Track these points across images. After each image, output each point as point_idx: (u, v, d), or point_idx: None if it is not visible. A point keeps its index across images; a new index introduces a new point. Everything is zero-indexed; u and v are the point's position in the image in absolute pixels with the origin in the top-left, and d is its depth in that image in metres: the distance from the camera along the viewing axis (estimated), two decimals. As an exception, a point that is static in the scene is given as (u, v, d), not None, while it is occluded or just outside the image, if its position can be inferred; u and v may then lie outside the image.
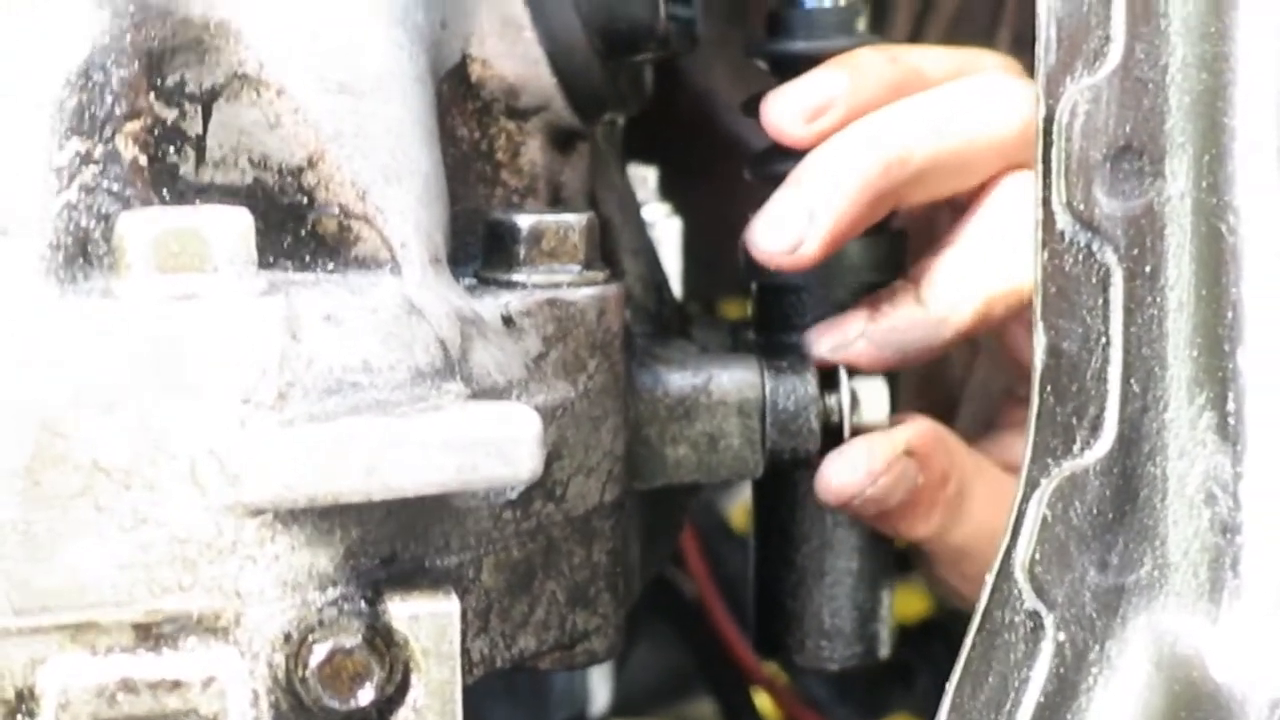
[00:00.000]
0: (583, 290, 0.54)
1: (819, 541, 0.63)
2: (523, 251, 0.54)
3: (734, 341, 0.64)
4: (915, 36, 0.84)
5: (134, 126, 0.49)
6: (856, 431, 0.59)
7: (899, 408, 0.61)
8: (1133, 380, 0.42)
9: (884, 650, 0.64)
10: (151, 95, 0.50)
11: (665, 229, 0.76)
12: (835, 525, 0.63)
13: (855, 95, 0.58)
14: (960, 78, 0.59)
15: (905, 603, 0.87)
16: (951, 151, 0.58)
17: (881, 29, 0.82)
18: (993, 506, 0.60)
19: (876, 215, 0.59)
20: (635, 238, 0.65)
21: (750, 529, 0.66)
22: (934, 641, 0.90)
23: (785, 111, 0.59)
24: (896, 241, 0.62)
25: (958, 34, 0.84)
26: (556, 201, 0.60)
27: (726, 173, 0.66)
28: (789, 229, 0.57)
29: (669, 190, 0.78)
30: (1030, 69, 0.44)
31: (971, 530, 0.60)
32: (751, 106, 0.61)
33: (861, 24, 0.62)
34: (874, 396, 0.60)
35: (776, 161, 0.60)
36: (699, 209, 0.77)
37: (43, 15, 0.49)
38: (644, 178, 0.76)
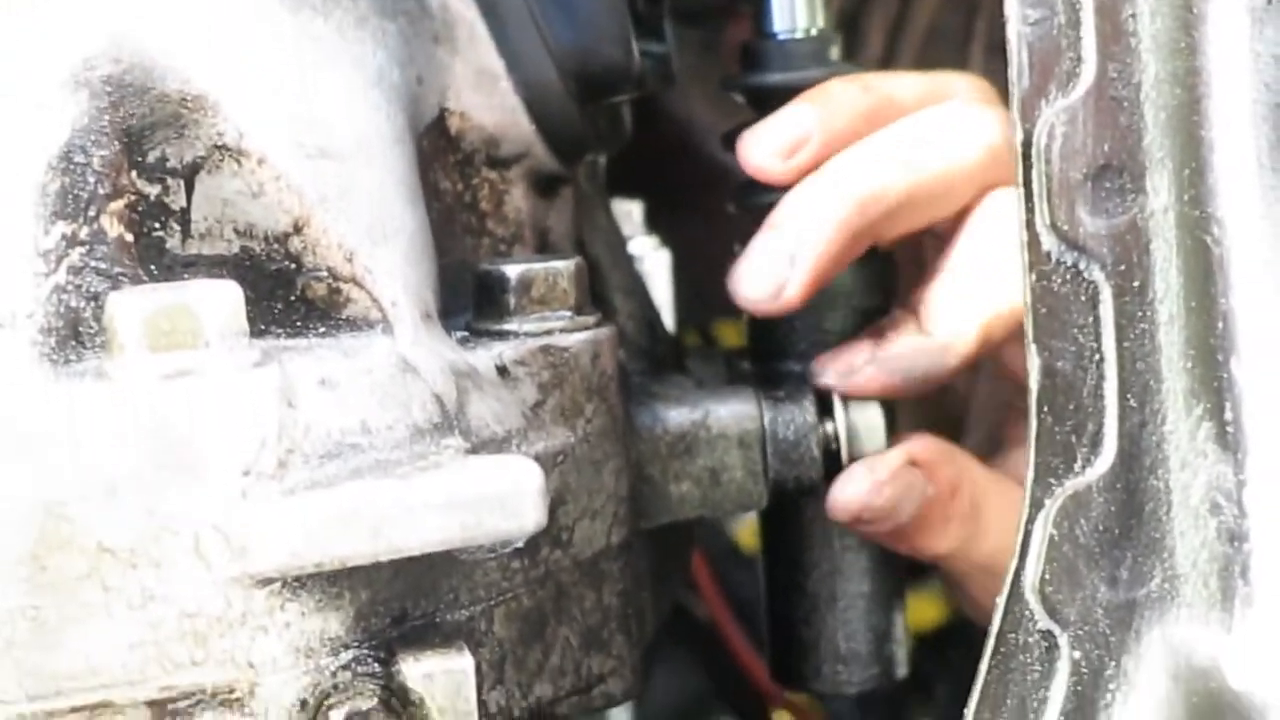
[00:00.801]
0: (575, 335, 0.54)
1: (829, 567, 0.63)
2: (513, 300, 0.54)
3: (730, 373, 0.64)
4: (889, 54, 0.84)
5: (118, 205, 0.49)
6: (855, 455, 0.59)
7: (902, 434, 0.61)
8: (1129, 395, 0.42)
9: (901, 670, 0.64)
10: (133, 173, 0.50)
11: (654, 261, 0.76)
12: (844, 549, 0.63)
13: (829, 128, 0.58)
14: (932, 104, 0.59)
15: (920, 611, 0.87)
16: (924, 183, 0.58)
17: (855, 48, 0.83)
18: (1013, 521, 0.60)
19: (855, 253, 0.59)
20: (624, 276, 0.65)
21: (759, 550, 0.66)
22: (951, 649, 0.90)
23: (762, 151, 0.59)
24: (885, 265, 0.62)
25: (931, 49, 0.84)
26: (544, 247, 0.60)
27: (711, 198, 0.66)
28: (770, 275, 0.58)
29: (655, 222, 0.78)
30: (1005, 80, 0.45)
31: (994, 546, 0.60)
32: (731, 140, 0.61)
33: (835, 52, 0.62)
34: (871, 420, 0.60)
35: (760, 194, 0.60)
36: (687, 236, 0.76)
37: (20, 100, 0.49)
38: (629, 212, 0.76)
